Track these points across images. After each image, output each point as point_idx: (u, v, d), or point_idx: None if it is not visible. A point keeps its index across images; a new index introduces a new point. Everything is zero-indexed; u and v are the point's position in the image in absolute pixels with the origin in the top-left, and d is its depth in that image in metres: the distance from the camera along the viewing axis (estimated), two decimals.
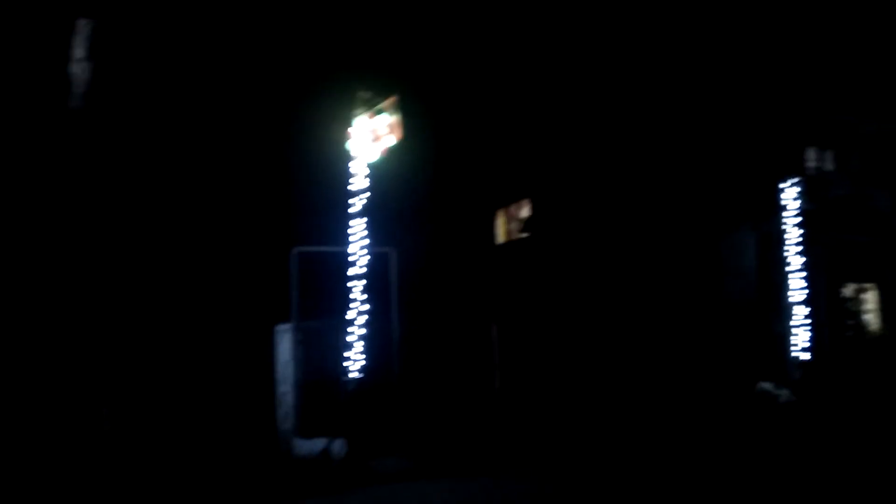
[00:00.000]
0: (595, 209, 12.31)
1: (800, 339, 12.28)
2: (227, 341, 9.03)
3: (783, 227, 12.62)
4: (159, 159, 9.19)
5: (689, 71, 12.53)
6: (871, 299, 15.03)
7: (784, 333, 12.36)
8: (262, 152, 9.65)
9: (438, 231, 11.04)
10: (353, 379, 8.38)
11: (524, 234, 12.69)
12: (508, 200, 12.81)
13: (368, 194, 8.57)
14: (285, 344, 8.84)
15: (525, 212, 12.76)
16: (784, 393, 11.54)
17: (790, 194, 12.67)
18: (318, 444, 8.04)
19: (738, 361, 12.12)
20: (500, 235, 13.10)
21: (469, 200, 11.86)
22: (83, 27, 8.66)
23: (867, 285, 14.92)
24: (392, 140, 8.51)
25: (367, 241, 8.56)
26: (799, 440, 9.30)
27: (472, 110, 11.40)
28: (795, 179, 12.77)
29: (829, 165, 14.93)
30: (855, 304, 14.78)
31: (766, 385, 11.65)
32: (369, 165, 8.66)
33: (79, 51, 8.66)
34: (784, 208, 12.66)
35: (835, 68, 14.11)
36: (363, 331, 8.45)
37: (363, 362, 8.41)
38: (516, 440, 9.32)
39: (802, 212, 12.65)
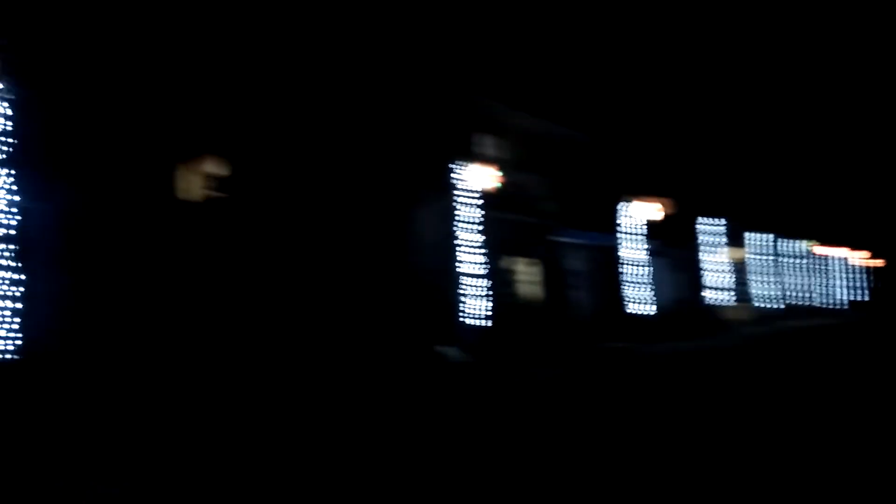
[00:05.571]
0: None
1: (477, 307, 13.64)
2: None
3: (462, 206, 13.87)
4: None
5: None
6: (535, 273, 17.26)
7: (463, 302, 13.61)
8: None
9: None
10: None
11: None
12: None
13: None
14: None
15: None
16: (459, 354, 12.67)
17: (468, 176, 13.98)
18: None
19: (422, 327, 12.97)
20: None
21: None
22: None
23: (533, 260, 17.10)
24: None
25: None
26: (472, 396, 10.23)
27: None
28: (467, 163, 14.12)
29: (501, 153, 16.78)
30: (523, 276, 16.84)
31: (448, 349, 12.69)
32: None
33: None
34: (464, 190, 13.92)
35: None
36: None
37: None
38: None
39: (480, 193, 14.04)
